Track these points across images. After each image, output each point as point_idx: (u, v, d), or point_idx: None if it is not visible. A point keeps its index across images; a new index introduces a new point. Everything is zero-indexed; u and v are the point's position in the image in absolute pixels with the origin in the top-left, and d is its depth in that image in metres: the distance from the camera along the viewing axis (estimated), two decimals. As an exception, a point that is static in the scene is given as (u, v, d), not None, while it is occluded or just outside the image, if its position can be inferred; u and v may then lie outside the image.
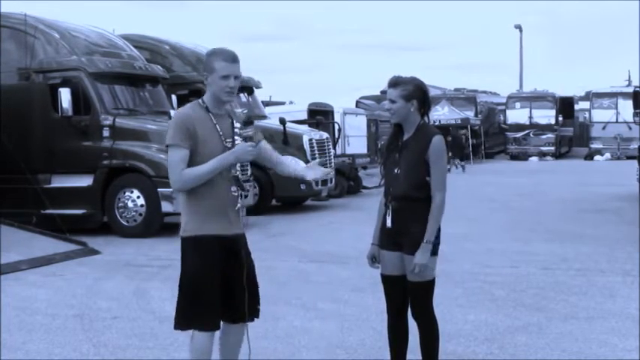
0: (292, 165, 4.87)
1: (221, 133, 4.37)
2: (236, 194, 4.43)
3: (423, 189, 4.62)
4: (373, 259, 4.87)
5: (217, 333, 4.53)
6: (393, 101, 4.67)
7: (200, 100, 4.43)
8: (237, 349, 4.64)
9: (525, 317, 7.05)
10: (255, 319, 4.60)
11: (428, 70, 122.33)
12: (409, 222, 4.63)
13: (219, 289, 4.39)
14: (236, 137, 4.42)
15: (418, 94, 4.66)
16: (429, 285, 4.69)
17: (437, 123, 31.74)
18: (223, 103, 4.43)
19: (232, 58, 4.34)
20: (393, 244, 4.71)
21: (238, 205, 4.45)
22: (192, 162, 4.29)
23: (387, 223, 4.72)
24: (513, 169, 31.81)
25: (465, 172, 28.96)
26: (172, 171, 4.31)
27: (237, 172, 4.45)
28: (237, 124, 4.46)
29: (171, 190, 12.24)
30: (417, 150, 4.62)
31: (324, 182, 16.79)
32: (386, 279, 4.81)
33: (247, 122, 4.44)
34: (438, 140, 4.62)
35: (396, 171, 4.69)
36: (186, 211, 4.44)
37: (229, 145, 4.38)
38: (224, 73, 4.31)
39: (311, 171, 4.68)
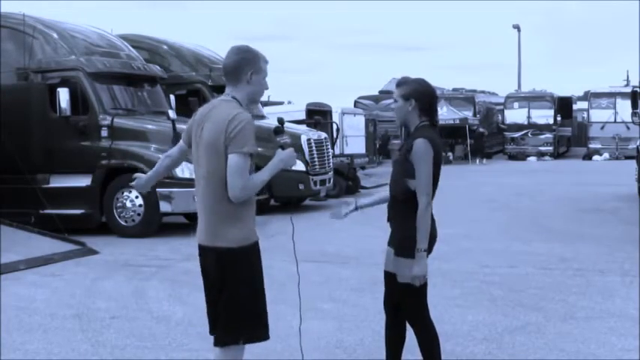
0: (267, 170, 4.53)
1: None
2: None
3: (404, 191, 4.59)
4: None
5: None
6: (395, 101, 4.73)
7: (237, 101, 4.22)
8: None
9: (524, 317, 7.06)
10: None
11: (426, 70, 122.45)
12: (396, 222, 4.68)
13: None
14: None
15: (417, 95, 4.64)
16: (418, 287, 4.59)
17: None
18: (256, 103, 4.43)
19: (267, 60, 4.33)
20: (390, 241, 4.76)
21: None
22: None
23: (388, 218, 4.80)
24: (512, 169, 31.81)
25: (476, 167, 29.00)
26: (240, 180, 4.07)
27: None
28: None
29: (169, 190, 12.38)
30: (404, 152, 4.63)
31: (323, 182, 16.80)
32: (384, 275, 4.84)
33: (279, 131, 4.45)
34: (419, 143, 4.52)
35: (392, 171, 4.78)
36: (235, 217, 4.17)
37: None
38: (267, 74, 4.32)
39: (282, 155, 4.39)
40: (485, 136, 39.46)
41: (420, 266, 4.48)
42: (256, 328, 4.31)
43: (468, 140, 35.84)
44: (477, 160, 36.27)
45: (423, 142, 4.54)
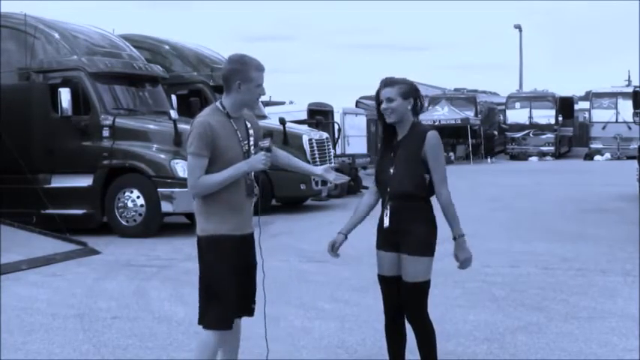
0: (306, 167, 5.16)
1: (240, 138, 4.54)
2: (250, 196, 4.60)
3: (421, 187, 4.60)
4: (333, 246, 4.93)
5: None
6: (391, 100, 4.66)
7: (220, 105, 4.55)
8: (238, 344, 4.85)
9: (525, 317, 7.05)
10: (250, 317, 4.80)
11: (428, 70, 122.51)
12: (409, 222, 4.59)
13: (241, 286, 4.55)
14: (252, 139, 4.60)
15: (414, 93, 4.68)
16: (424, 286, 4.65)
17: (437, 123, 31.93)
18: (239, 110, 4.59)
19: (262, 67, 4.55)
20: (390, 245, 4.69)
21: (252, 206, 4.64)
22: (214, 167, 4.43)
23: (385, 223, 4.69)
24: (513, 169, 31.81)
25: (472, 169, 29.00)
26: (190, 177, 4.44)
27: (250, 181, 4.59)
28: (249, 126, 4.63)
29: (170, 190, 12.40)
30: (412, 148, 4.61)
31: (324, 182, 16.79)
32: (382, 279, 4.80)
33: (265, 135, 4.66)
34: (432, 135, 4.58)
35: (391, 171, 4.68)
36: (202, 211, 4.52)
37: (246, 147, 4.55)
38: (259, 82, 4.53)
39: (331, 174, 4.86)
40: (495, 137, 41.20)
41: (466, 251, 4.68)
42: (217, 316, 4.48)
43: (469, 140, 35.85)
44: (489, 159, 38.40)
45: (435, 134, 4.62)
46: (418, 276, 4.61)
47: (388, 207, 4.67)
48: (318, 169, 4.94)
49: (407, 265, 4.61)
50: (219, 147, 4.42)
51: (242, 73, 4.46)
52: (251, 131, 4.63)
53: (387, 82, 4.69)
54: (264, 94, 4.60)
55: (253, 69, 4.48)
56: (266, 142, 4.55)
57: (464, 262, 4.69)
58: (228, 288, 4.47)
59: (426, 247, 4.61)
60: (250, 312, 4.72)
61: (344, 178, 4.90)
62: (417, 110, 4.72)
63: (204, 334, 4.53)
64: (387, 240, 4.71)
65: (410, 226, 4.60)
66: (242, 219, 4.54)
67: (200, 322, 4.56)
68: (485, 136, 39.55)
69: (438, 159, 4.59)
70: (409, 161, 4.61)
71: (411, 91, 4.67)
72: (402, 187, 4.62)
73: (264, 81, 4.59)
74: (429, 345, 4.71)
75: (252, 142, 4.59)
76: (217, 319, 4.49)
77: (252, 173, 4.58)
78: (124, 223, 12.80)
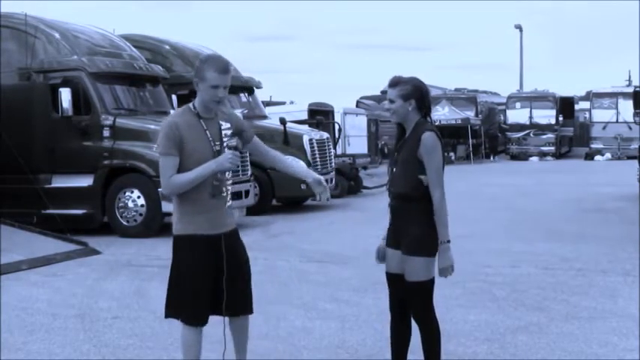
0: (294, 165, 5.06)
1: (211, 138, 4.54)
2: (225, 195, 4.62)
3: (417, 188, 4.60)
4: (378, 254, 4.90)
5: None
6: (392, 101, 4.68)
7: (192, 105, 4.59)
8: (245, 340, 4.87)
9: (526, 317, 7.05)
10: (250, 315, 4.81)
11: (428, 70, 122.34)
12: (406, 222, 4.63)
13: (206, 285, 4.56)
14: (225, 140, 4.60)
15: (416, 94, 4.66)
16: (428, 285, 4.67)
17: (437, 123, 31.95)
18: (211, 110, 4.58)
19: (224, 69, 4.48)
20: (394, 242, 4.73)
21: (228, 204, 4.65)
22: (182, 166, 4.49)
23: (389, 222, 4.76)
24: (513, 169, 31.80)
25: (472, 169, 29.00)
26: (162, 177, 4.53)
27: (219, 182, 4.58)
28: (225, 126, 4.62)
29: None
30: (410, 149, 4.62)
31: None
32: (388, 276, 4.83)
33: (234, 134, 4.64)
34: (427, 136, 4.57)
35: (394, 170, 4.71)
36: (175, 211, 4.64)
37: (218, 147, 4.55)
38: (214, 84, 4.47)
39: (319, 187, 4.78)
40: (498, 137, 41.71)
41: (446, 258, 4.58)
42: (185, 311, 4.60)
43: (470, 140, 35.83)
44: (491, 157, 39.61)
45: (431, 135, 4.59)
46: (416, 275, 4.61)
47: (389, 206, 4.74)
48: (310, 175, 4.83)
49: (405, 264, 4.64)
50: (186, 147, 4.46)
51: (199, 72, 4.48)
52: (227, 132, 4.61)
53: (391, 83, 4.70)
54: (221, 97, 4.49)
55: (211, 69, 4.45)
56: (233, 141, 4.57)
57: (442, 271, 4.62)
58: (191, 286, 4.54)
59: (421, 247, 4.60)
60: (220, 312, 4.67)
61: (326, 194, 4.81)
62: (424, 111, 4.70)
63: (182, 330, 4.66)
64: (391, 237, 4.76)
65: (407, 226, 4.64)
66: (208, 218, 4.55)
67: (167, 312, 4.68)
68: (488, 135, 40.12)
69: (432, 161, 4.57)
70: (407, 162, 4.63)
71: (412, 93, 4.65)
72: (398, 188, 4.68)
73: (225, 83, 4.47)
74: (433, 345, 4.72)
75: (225, 143, 4.58)
76: (183, 313, 4.60)
77: (250, 171, 4.61)
78: (124, 223, 12.80)
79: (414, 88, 4.67)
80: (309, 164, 16.17)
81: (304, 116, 20.45)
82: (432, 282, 4.69)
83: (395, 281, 4.76)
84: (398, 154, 4.71)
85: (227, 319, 4.75)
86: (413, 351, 4.92)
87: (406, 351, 4.87)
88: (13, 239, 10.90)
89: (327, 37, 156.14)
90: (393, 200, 4.73)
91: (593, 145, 38.65)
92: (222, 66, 4.48)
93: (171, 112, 4.67)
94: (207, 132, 4.53)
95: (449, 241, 4.59)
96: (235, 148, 4.54)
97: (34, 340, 6.51)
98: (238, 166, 4.56)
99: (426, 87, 4.77)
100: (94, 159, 12.94)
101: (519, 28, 53.20)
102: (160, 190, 12.32)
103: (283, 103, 30.57)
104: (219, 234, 4.59)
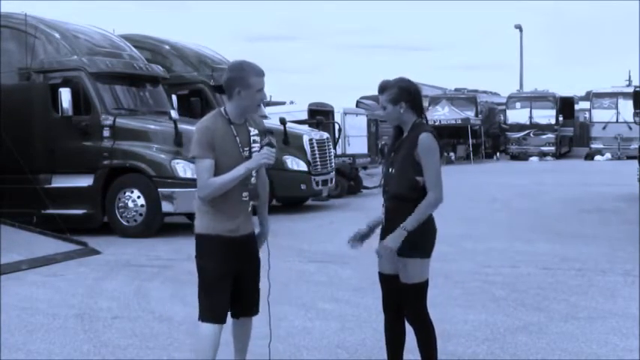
0: (263, 212, 5.21)
1: (240, 144, 4.62)
2: (247, 199, 4.71)
3: (414, 189, 4.58)
4: (355, 235, 4.91)
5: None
6: (383, 107, 4.70)
7: (223, 111, 4.66)
8: (247, 342, 5.00)
9: (526, 317, 7.05)
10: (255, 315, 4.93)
11: (428, 70, 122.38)
12: (401, 222, 4.57)
13: (228, 285, 4.65)
14: (254, 145, 4.68)
15: (404, 96, 4.64)
16: (421, 287, 4.65)
17: (437, 123, 31.92)
18: (244, 116, 4.66)
19: (262, 72, 4.64)
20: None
21: (249, 208, 4.78)
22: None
23: (382, 222, 4.74)
24: (513, 169, 31.80)
25: (473, 169, 29.03)
26: (199, 180, 4.58)
27: (253, 185, 4.73)
28: (253, 132, 4.71)
29: (171, 190, 12.41)
30: (407, 150, 4.61)
31: (325, 182, 16.80)
32: (381, 277, 4.82)
33: (263, 133, 4.73)
34: (424, 137, 4.55)
35: (390, 171, 4.70)
36: (201, 210, 4.67)
37: (247, 153, 4.62)
38: (259, 87, 4.60)
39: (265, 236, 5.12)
40: (501, 137, 42.20)
41: (394, 240, 4.53)
42: (206, 308, 4.67)
43: (470, 140, 35.84)
44: (495, 156, 40.39)
45: (428, 136, 4.57)
46: (410, 277, 4.60)
47: (383, 207, 4.71)
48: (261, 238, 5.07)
49: (399, 266, 4.62)
50: (218, 151, 4.52)
51: (241, 80, 4.54)
52: (256, 137, 4.68)
53: (380, 89, 4.71)
54: (265, 98, 4.66)
55: (252, 75, 4.56)
56: (266, 139, 4.64)
57: (382, 248, 4.62)
58: (215, 284, 4.61)
59: (415, 249, 4.58)
60: (248, 312, 4.83)
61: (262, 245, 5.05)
62: (415, 111, 4.69)
63: (200, 327, 4.69)
64: (384, 238, 4.71)
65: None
66: (237, 221, 4.66)
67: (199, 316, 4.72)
68: (490, 135, 40.83)
69: (429, 162, 4.55)
70: (403, 163, 4.62)
71: (400, 96, 4.63)
72: (394, 188, 4.66)
73: (265, 85, 4.63)
74: (428, 345, 4.72)
75: (254, 149, 4.65)
76: (206, 312, 4.65)
77: (253, 178, 4.67)
78: (124, 223, 12.80)
79: (401, 91, 4.64)
80: (309, 164, 16.19)
81: (304, 116, 20.46)
82: (426, 283, 4.68)
83: (388, 282, 4.76)
84: (395, 154, 4.70)
85: (229, 320, 4.80)
86: (410, 351, 4.93)
87: (402, 351, 4.86)
88: (13, 239, 10.90)
89: (327, 37, 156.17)
90: (389, 200, 4.70)
91: (593, 145, 38.67)
92: (259, 69, 4.62)
93: (206, 118, 4.68)
94: (237, 138, 4.62)
95: (409, 231, 4.50)
96: (270, 145, 4.60)
97: (34, 340, 6.51)
98: (272, 162, 4.63)
99: (415, 86, 4.72)
100: (94, 159, 12.95)
101: (519, 28, 53.19)
102: (160, 190, 12.41)
103: (283, 103, 30.58)
104: (243, 236, 4.73)
